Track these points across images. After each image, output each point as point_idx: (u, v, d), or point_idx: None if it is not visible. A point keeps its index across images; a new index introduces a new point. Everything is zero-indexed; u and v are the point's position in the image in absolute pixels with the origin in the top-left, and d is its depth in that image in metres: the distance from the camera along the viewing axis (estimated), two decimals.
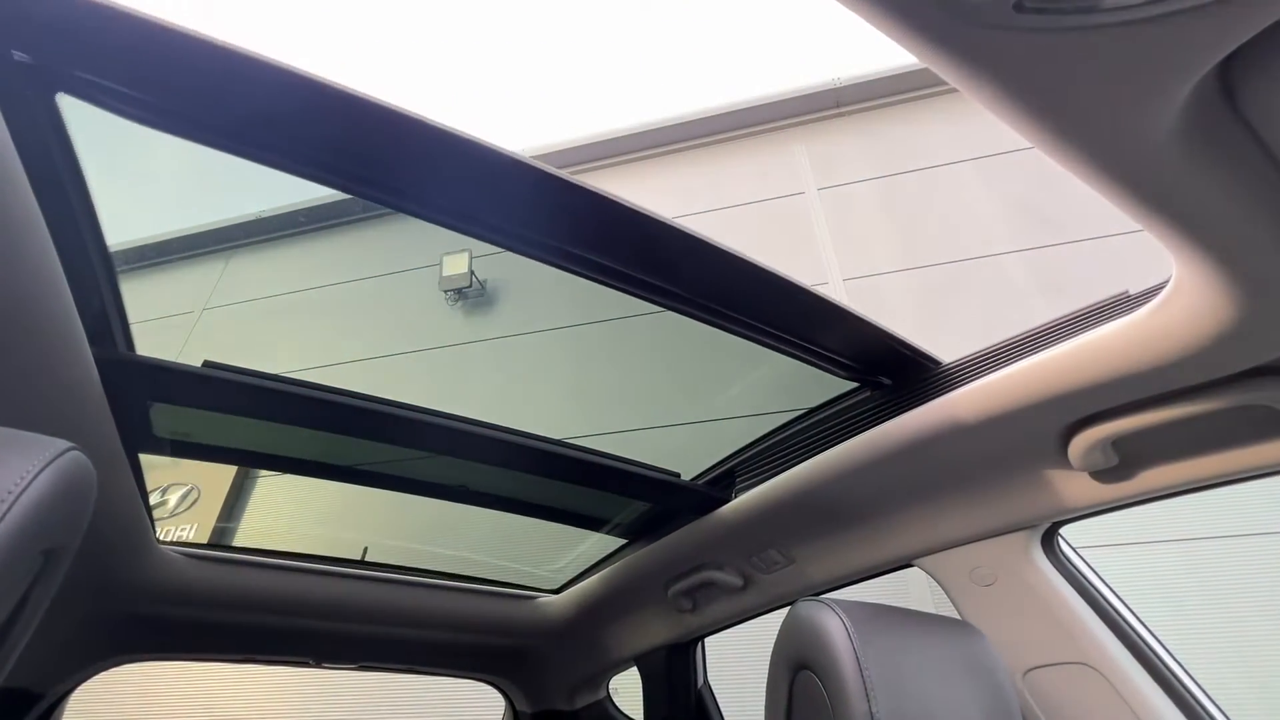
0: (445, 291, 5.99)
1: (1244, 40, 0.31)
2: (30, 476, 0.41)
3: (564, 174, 0.71)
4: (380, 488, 1.36)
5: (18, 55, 0.51)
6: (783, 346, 0.92)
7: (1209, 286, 0.50)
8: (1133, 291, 0.64)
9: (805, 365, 0.97)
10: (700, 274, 0.82)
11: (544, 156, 6.37)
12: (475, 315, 6.08)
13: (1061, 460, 0.80)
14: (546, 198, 0.72)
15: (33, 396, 0.67)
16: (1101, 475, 0.79)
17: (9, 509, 0.40)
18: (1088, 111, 0.35)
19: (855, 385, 1.03)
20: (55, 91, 0.56)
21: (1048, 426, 0.77)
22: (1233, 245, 0.45)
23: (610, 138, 6.32)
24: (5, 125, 0.52)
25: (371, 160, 0.66)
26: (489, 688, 2.13)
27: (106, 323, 0.77)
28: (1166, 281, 0.57)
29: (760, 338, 0.91)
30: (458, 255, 6.15)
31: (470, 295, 6.06)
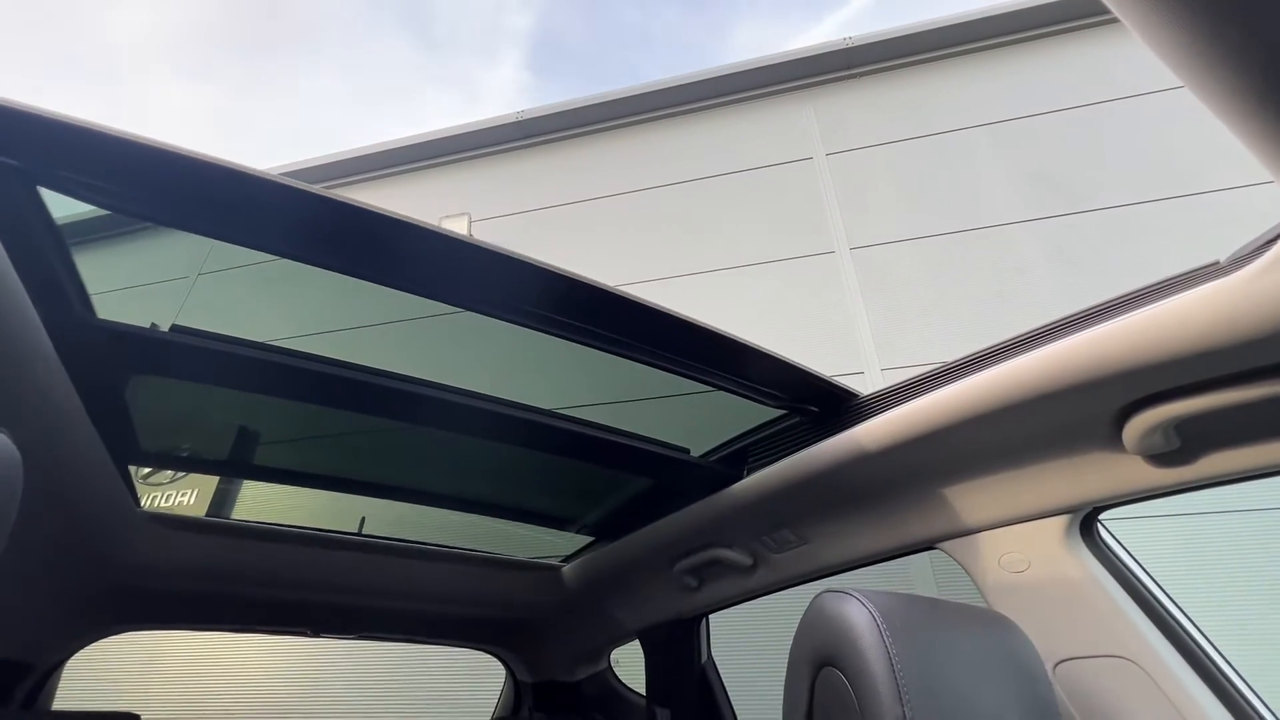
0: None
1: None
2: None
3: (537, 260, 0.81)
4: (370, 480, 1.31)
5: (6, 160, 0.62)
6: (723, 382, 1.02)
7: None
8: (1223, 260, 0.56)
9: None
10: (651, 333, 0.92)
11: (551, 118, 6.17)
12: None
13: (1113, 443, 0.74)
14: (489, 269, 0.82)
15: None
16: (1157, 459, 0.73)
17: None
18: (1262, 29, 0.27)
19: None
20: (35, 185, 0.66)
21: (1103, 406, 0.70)
22: None
23: (613, 99, 6.11)
24: None
25: (312, 237, 0.76)
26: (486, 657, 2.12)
27: (59, 287, 0.70)
28: (1271, 244, 0.49)
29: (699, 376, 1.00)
30: (456, 219, 6.02)
31: None
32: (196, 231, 0.73)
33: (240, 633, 1.81)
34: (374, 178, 6.07)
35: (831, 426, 0.99)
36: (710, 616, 1.63)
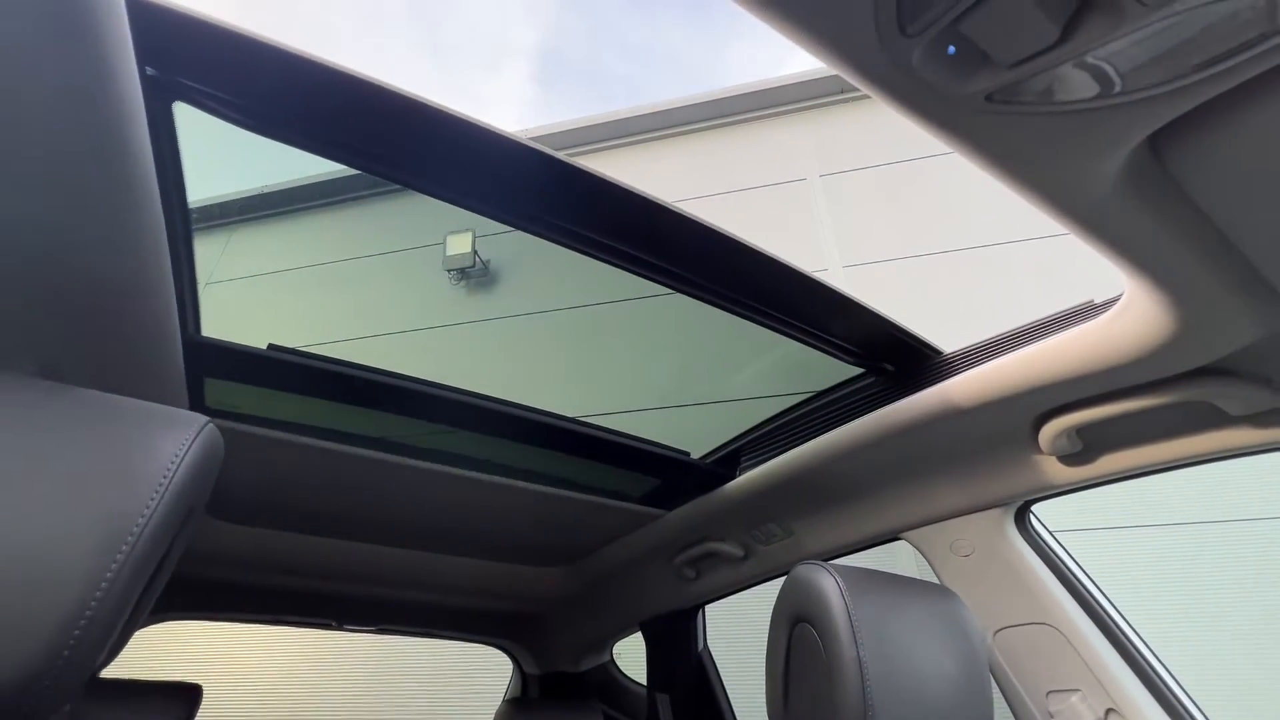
0: (449, 271, 6.06)
1: (1157, 127, 0.41)
2: (186, 448, 0.51)
3: (596, 171, 0.79)
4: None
5: (149, 70, 0.59)
6: (793, 333, 1.00)
7: (1153, 302, 0.60)
8: (1097, 300, 0.73)
9: (814, 351, 1.04)
10: (717, 264, 0.90)
11: (550, 137, 6.37)
12: (478, 295, 6.15)
13: (1033, 446, 0.91)
14: (572, 188, 0.79)
15: (135, 374, 0.76)
16: (1067, 459, 0.90)
17: (172, 476, 0.49)
18: (1046, 171, 0.45)
19: (860, 371, 1.10)
20: (173, 101, 0.65)
21: (1022, 415, 0.87)
22: (1170, 272, 0.55)
23: (614, 119, 6.32)
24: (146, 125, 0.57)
25: (422, 159, 0.75)
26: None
27: (183, 305, 0.86)
28: (1122, 294, 0.67)
29: (774, 325, 0.98)
30: (461, 235, 6.16)
31: (473, 275, 6.12)
32: (343, 162, 0.72)
33: (272, 624, 1.93)
34: (377, 194, 6.26)
35: (815, 428, 1.15)
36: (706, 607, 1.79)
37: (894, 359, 1.04)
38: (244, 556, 1.60)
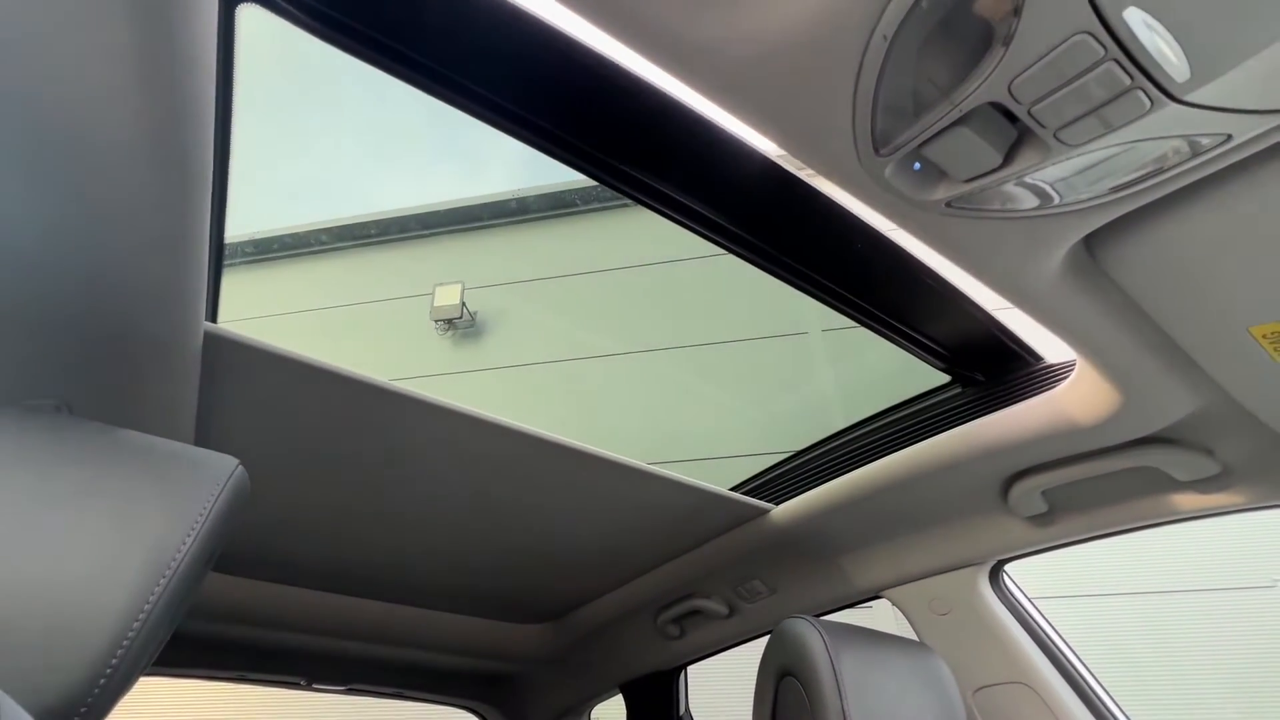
0: (435, 322, 6.11)
1: (1089, 231, 0.49)
2: (217, 494, 0.54)
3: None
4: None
5: None
6: (880, 327, 0.87)
7: (1099, 376, 0.68)
8: (1049, 360, 0.82)
9: (891, 357, 0.92)
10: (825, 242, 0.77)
11: (545, 197, 6.58)
12: (464, 346, 6.18)
13: (1004, 506, 0.97)
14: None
15: (149, 414, 0.78)
16: (1035, 520, 0.96)
17: (207, 515, 0.52)
18: (997, 265, 0.53)
19: (945, 381, 0.99)
20: (240, 3, 0.52)
21: (994, 475, 0.94)
22: (1109, 350, 0.63)
23: (600, 188, 6.55)
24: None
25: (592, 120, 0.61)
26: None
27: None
28: (1073, 366, 0.75)
29: (861, 316, 0.86)
30: (450, 286, 6.28)
31: (461, 326, 6.18)
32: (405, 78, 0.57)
33: (237, 682, 1.84)
34: (368, 244, 6.39)
35: (799, 484, 1.19)
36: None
37: (987, 366, 0.91)
38: (205, 606, 1.52)
